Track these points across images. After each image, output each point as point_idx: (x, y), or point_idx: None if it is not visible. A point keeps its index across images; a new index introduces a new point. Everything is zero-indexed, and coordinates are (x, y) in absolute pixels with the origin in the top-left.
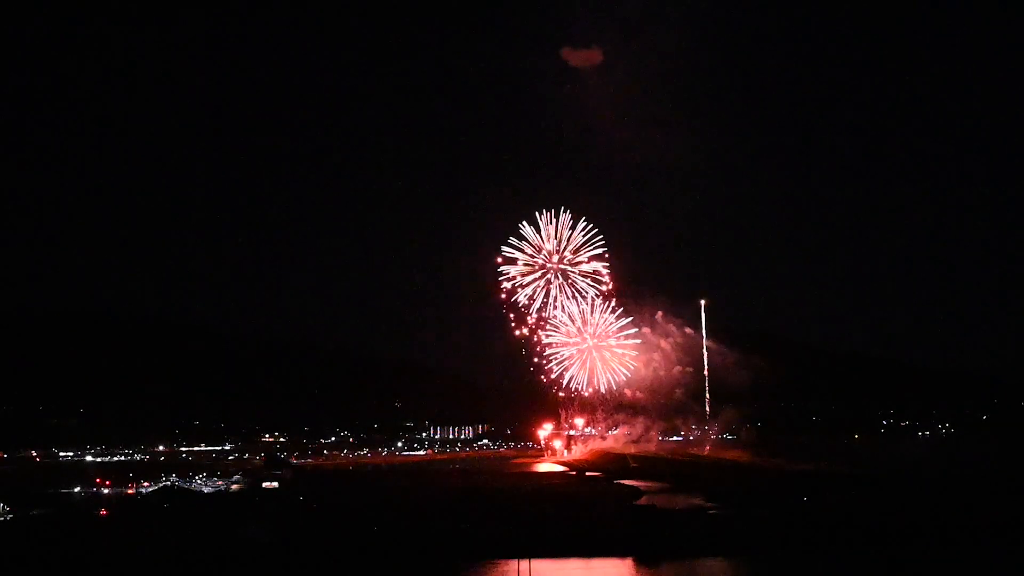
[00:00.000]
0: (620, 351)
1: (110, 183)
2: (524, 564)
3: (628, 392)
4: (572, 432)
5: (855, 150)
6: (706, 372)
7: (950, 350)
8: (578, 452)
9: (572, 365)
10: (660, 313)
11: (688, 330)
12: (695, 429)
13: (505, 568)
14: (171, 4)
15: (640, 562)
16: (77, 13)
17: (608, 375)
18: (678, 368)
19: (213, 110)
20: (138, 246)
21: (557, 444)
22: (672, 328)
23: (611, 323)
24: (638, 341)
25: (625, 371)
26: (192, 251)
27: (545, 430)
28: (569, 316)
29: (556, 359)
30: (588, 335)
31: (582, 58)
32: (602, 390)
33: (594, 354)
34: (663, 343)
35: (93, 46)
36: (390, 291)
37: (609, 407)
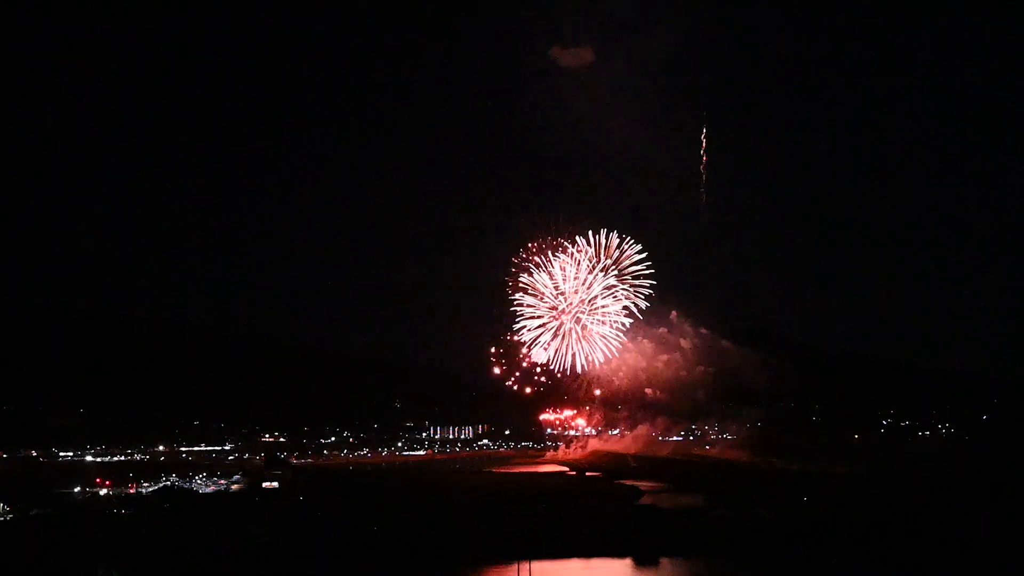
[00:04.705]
0: (633, 348)
1: (110, 182)
2: (524, 566)
3: (649, 392)
4: (573, 432)
5: (855, 149)
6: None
7: (950, 350)
8: (579, 452)
9: (580, 362)
10: (674, 313)
11: (703, 330)
12: (695, 429)
13: (506, 570)
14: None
15: (640, 562)
16: (80, 13)
17: (616, 373)
18: (700, 368)
19: (212, 107)
20: (138, 246)
21: (558, 444)
22: (688, 328)
23: (621, 321)
24: (626, 323)
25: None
26: (192, 251)
27: (546, 430)
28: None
29: (557, 354)
30: (592, 333)
31: (573, 57)
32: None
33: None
34: (683, 343)
35: (92, 43)
36: (390, 291)
37: (631, 407)
